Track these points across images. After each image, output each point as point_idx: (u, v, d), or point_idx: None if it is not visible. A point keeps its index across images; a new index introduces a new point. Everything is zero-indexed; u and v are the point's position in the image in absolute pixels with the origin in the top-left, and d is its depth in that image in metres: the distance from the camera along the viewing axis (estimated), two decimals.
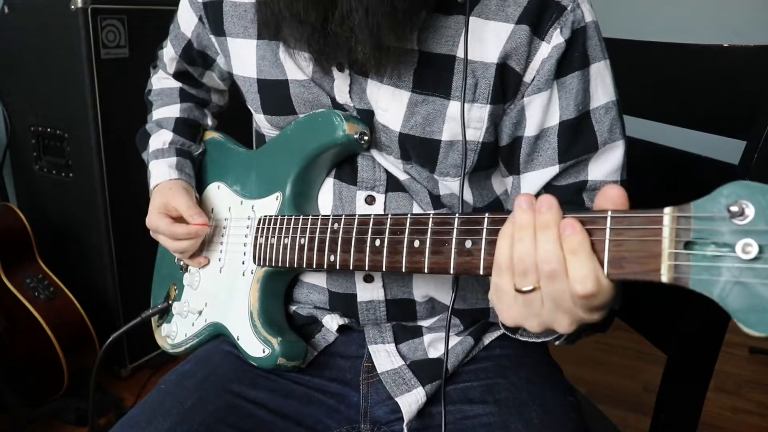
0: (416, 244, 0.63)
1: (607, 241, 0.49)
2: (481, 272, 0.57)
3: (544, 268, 0.50)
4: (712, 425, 1.83)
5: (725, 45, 0.98)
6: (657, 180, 1.02)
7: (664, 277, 0.46)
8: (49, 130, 1.80)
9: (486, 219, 0.58)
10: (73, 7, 1.57)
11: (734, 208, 0.42)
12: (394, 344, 0.82)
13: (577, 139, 0.74)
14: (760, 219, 0.42)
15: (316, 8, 0.67)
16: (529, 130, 0.75)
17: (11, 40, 1.81)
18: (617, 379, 2.06)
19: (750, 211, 0.42)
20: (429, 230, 0.62)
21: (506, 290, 0.54)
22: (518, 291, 0.53)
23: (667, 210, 0.46)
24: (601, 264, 0.49)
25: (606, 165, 0.76)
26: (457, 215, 0.60)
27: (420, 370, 0.79)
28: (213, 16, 0.87)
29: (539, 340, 0.69)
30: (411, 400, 0.77)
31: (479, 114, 0.74)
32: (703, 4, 2.58)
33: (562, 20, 0.71)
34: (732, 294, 0.43)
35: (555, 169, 0.75)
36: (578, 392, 0.98)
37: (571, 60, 0.72)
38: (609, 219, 0.49)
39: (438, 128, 0.75)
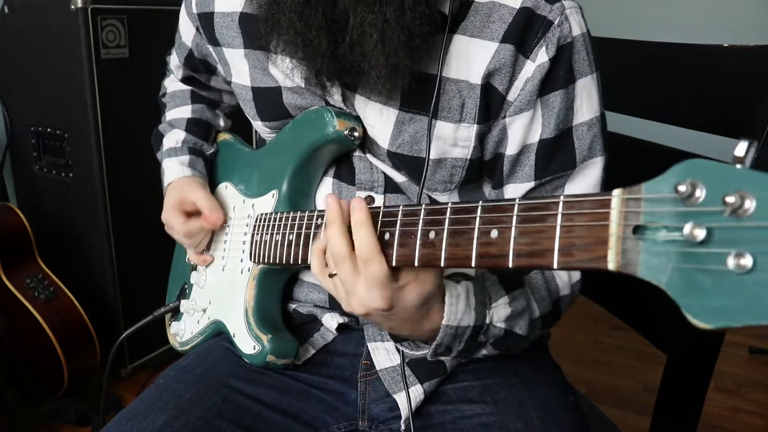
0: (386, 236, 0.60)
1: (558, 227, 0.46)
2: (442, 264, 0.55)
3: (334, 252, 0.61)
4: (712, 425, 1.83)
5: (725, 45, 0.98)
6: None
7: (611, 265, 0.42)
8: (49, 130, 1.80)
9: (449, 209, 0.56)
10: (73, 7, 1.57)
11: (683, 188, 0.38)
12: (393, 342, 0.82)
13: (554, 156, 0.73)
14: (710, 199, 0.38)
15: (328, 35, 0.66)
16: (511, 148, 0.74)
17: (11, 40, 1.81)
18: (617, 379, 2.06)
19: (701, 191, 0.38)
20: (398, 222, 0.59)
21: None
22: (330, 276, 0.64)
23: (616, 192, 0.43)
24: (552, 252, 0.46)
25: (582, 183, 0.75)
26: (423, 206, 0.58)
27: (419, 368, 0.79)
28: (206, 26, 0.87)
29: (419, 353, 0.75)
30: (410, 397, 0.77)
31: (466, 134, 0.74)
32: (702, 4, 2.58)
33: (548, 37, 0.69)
34: (679, 282, 0.38)
35: (531, 184, 0.75)
36: (578, 392, 0.98)
37: (556, 78, 0.71)
38: (561, 204, 0.46)
39: (426, 146, 0.74)
